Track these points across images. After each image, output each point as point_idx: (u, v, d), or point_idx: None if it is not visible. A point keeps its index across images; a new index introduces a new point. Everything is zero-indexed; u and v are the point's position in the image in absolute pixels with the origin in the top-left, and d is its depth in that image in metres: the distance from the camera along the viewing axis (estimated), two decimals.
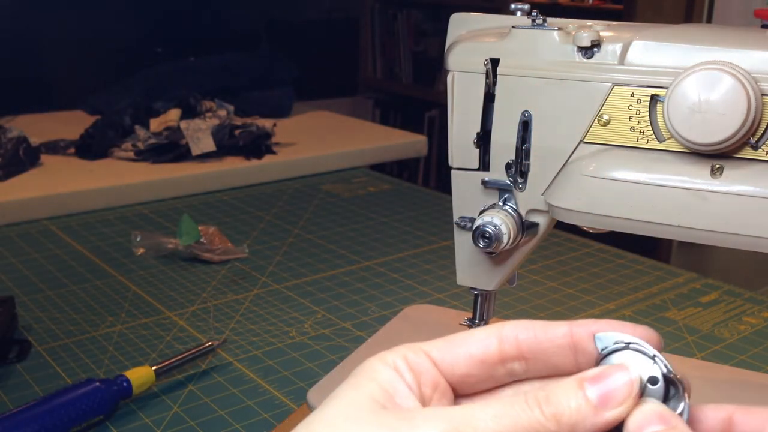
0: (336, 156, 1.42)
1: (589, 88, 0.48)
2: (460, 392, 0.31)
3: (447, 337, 0.31)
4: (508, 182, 0.53)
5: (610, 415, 0.26)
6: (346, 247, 0.98)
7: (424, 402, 0.29)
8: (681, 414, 0.27)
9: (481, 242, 0.52)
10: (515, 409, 0.26)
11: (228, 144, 1.33)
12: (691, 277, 0.90)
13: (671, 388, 0.28)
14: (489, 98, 0.52)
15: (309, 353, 0.71)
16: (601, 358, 0.29)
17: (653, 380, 0.27)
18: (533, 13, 0.51)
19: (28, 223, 1.07)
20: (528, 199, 0.53)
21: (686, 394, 0.27)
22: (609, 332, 0.29)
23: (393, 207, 1.15)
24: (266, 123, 1.43)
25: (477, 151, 0.53)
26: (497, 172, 0.53)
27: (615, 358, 0.28)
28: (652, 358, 0.28)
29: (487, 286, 0.58)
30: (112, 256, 0.94)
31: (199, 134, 1.30)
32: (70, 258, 0.94)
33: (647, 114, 0.47)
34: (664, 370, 0.27)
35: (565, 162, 0.50)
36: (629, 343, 0.28)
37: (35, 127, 1.42)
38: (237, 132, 1.36)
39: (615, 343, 0.28)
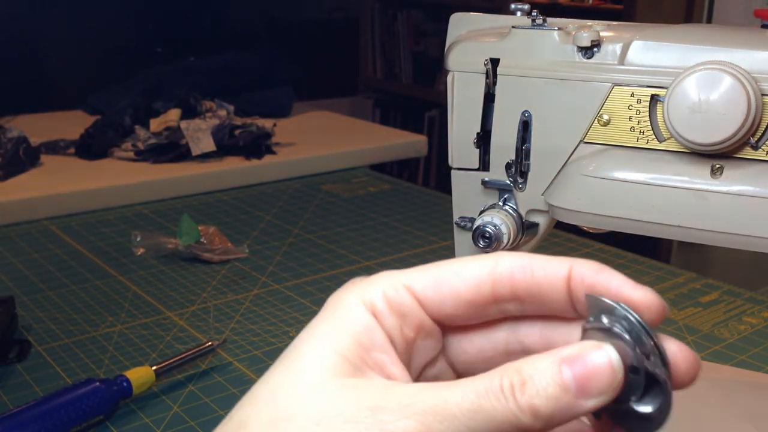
0: (336, 156, 1.42)
1: (589, 88, 0.48)
2: (448, 326, 0.29)
3: (433, 270, 0.28)
4: (508, 182, 0.53)
5: (590, 404, 0.24)
6: (346, 247, 0.98)
7: (407, 345, 0.27)
8: (659, 411, 0.25)
9: (481, 242, 0.52)
10: (490, 399, 0.24)
11: (228, 144, 1.33)
12: (691, 277, 0.90)
13: (654, 382, 0.25)
14: (489, 98, 0.52)
15: None
16: (586, 330, 0.27)
17: (634, 369, 0.25)
18: (533, 13, 0.51)
19: (28, 223, 1.07)
20: (528, 199, 0.53)
21: (669, 391, 0.25)
22: (600, 297, 0.26)
23: (393, 207, 1.15)
24: (266, 123, 1.43)
25: (477, 151, 0.53)
26: (497, 172, 0.53)
27: (600, 336, 0.26)
28: (633, 348, 0.25)
29: None
30: (112, 256, 0.94)
31: (199, 134, 1.30)
32: (70, 258, 0.94)
33: (647, 114, 0.47)
34: (645, 365, 0.25)
35: (565, 162, 0.50)
36: (612, 327, 0.26)
37: (35, 127, 1.42)
38: (237, 132, 1.36)
39: (601, 313, 0.26)
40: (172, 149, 1.30)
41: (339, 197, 1.20)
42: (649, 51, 0.46)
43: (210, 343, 0.67)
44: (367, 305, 0.27)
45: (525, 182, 0.52)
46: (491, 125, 0.52)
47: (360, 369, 0.26)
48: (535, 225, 0.54)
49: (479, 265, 0.28)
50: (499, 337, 0.30)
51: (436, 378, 0.30)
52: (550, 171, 0.51)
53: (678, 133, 0.44)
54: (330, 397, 0.25)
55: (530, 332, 0.29)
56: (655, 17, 2.18)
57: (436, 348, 0.29)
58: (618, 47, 0.47)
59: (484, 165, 0.54)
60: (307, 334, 0.27)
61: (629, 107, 0.47)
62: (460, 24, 0.55)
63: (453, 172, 0.55)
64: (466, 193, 0.55)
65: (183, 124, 1.31)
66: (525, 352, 0.29)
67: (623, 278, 0.26)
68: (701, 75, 0.43)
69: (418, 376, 0.29)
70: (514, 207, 0.53)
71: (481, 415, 0.24)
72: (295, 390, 0.25)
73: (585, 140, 0.49)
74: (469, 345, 0.30)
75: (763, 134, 0.44)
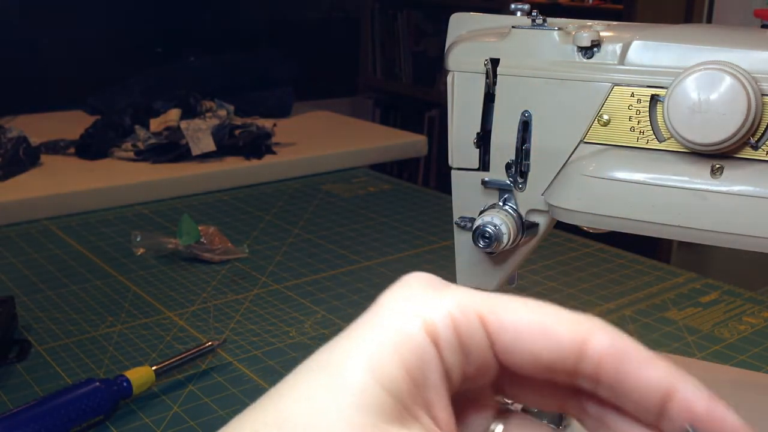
0: (336, 156, 1.42)
1: (589, 88, 0.48)
2: (508, 370, 0.25)
3: (515, 312, 0.24)
4: (508, 182, 0.53)
5: None
6: (346, 247, 0.98)
7: (463, 380, 0.24)
8: None
9: (481, 242, 0.52)
10: None
11: (228, 144, 1.33)
12: (691, 277, 0.90)
13: None
14: (489, 98, 0.52)
15: (309, 353, 0.71)
16: None
17: None
18: (533, 13, 0.51)
19: (28, 223, 1.07)
20: (528, 199, 0.53)
21: None
22: None
23: (393, 207, 1.15)
24: (266, 123, 1.43)
25: (477, 151, 0.53)
26: (497, 172, 0.53)
27: None
28: None
29: (488, 286, 0.58)
30: (112, 256, 0.94)
31: (199, 134, 1.30)
32: (70, 258, 0.94)
33: (647, 114, 0.47)
34: None
35: (565, 162, 0.50)
36: None
37: (35, 127, 1.42)
38: (237, 132, 1.36)
39: None
40: (172, 149, 1.30)
41: (339, 197, 1.20)
42: (649, 51, 0.46)
43: (210, 343, 0.67)
44: (429, 330, 0.22)
45: (525, 182, 0.52)
46: (491, 125, 0.52)
47: (408, 408, 0.22)
48: (535, 225, 0.54)
49: (569, 331, 0.23)
50: (558, 386, 0.26)
51: (473, 396, 0.27)
52: (550, 171, 0.51)
53: (678, 133, 0.44)
54: None
55: (591, 403, 0.26)
56: (655, 17, 2.18)
57: (488, 379, 0.26)
58: (618, 47, 0.47)
59: (484, 165, 0.54)
60: (352, 345, 0.23)
61: (629, 107, 0.47)
62: (460, 24, 0.55)
63: (453, 172, 0.55)
64: (466, 193, 0.55)
65: (183, 124, 1.31)
66: (581, 408, 0.26)
67: (738, 420, 0.23)
68: (701, 75, 0.43)
69: (456, 392, 0.26)
70: (514, 207, 0.53)
71: None
72: (328, 426, 0.22)
73: (585, 140, 0.49)
74: (524, 382, 0.26)
75: (763, 134, 0.44)
